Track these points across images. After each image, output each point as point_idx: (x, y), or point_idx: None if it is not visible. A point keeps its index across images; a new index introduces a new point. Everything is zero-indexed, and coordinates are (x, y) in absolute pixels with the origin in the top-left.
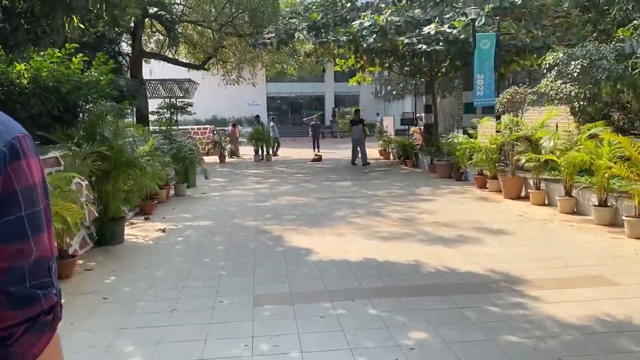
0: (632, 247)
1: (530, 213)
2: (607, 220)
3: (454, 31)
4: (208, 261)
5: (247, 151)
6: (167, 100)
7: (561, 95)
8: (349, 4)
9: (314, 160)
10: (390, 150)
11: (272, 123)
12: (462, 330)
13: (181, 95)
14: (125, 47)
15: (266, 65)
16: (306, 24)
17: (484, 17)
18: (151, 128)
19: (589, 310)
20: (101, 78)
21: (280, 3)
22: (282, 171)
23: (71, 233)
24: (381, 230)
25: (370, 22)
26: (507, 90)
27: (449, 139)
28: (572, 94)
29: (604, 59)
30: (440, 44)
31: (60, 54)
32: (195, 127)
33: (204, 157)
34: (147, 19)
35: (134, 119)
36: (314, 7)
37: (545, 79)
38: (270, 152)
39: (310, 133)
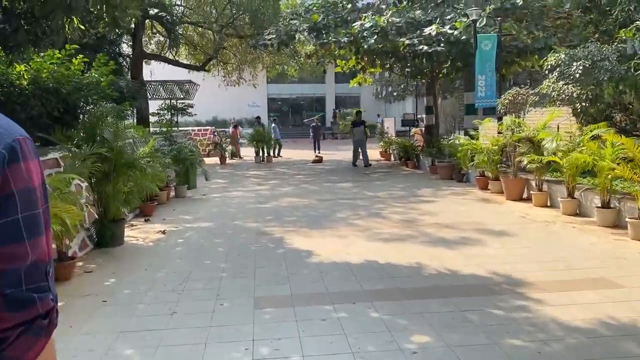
0: (635, 249)
1: (532, 215)
2: (610, 222)
3: (455, 32)
4: (208, 263)
5: (247, 152)
6: (167, 101)
7: (563, 96)
8: (349, 5)
9: (314, 161)
10: (391, 151)
11: (273, 124)
12: (464, 334)
13: (182, 96)
14: (126, 49)
15: (267, 66)
16: (307, 25)
17: (485, 18)
18: (152, 129)
19: (594, 313)
20: (101, 79)
21: (281, 4)
22: (283, 172)
23: (70, 235)
24: (382, 232)
25: (371, 23)
26: (509, 91)
27: (450, 140)
28: (574, 95)
29: (606, 60)
30: (442, 44)
31: (60, 55)
32: (196, 128)
33: (204, 159)
34: (147, 20)
35: (135, 121)
36: (314, 8)
37: (547, 80)
38: (271, 153)
39: (311, 134)
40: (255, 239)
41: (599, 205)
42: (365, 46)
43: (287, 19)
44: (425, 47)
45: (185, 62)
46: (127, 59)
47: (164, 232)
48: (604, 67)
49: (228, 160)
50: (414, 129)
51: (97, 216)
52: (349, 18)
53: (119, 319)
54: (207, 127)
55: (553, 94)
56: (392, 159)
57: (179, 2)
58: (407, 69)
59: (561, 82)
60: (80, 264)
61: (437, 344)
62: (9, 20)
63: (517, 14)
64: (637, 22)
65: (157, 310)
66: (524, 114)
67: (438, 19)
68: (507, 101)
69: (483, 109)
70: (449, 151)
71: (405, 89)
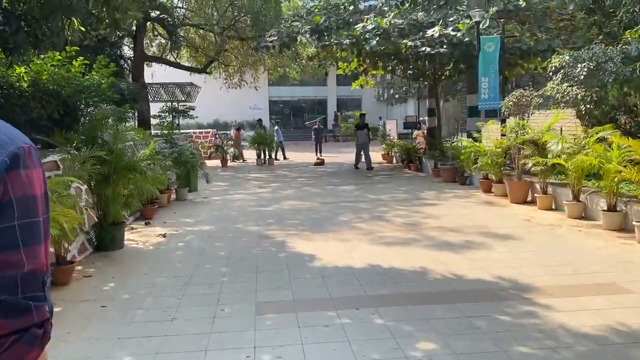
0: None
1: (537, 218)
2: (616, 226)
3: (458, 34)
4: (209, 267)
5: (249, 155)
6: (169, 103)
7: (567, 98)
8: (351, 7)
9: (316, 164)
10: (393, 154)
11: (276, 127)
12: (471, 341)
13: (183, 98)
14: (127, 51)
15: (268, 68)
16: (309, 27)
17: (488, 20)
18: (153, 132)
19: (603, 319)
20: (102, 81)
21: (282, 6)
22: (285, 175)
23: (68, 239)
24: (385, 236)
25: (373, 25)
26: (513, 93)
27: (453, 142)
28: (579, 97)
29: (610, 62)
30: (444, 46)
31: (60, 57)
32: (197, 131)
33: (205, 161)
34: (149, 23)
35: (136, 123)
36: (316, 10)
37: (552, 82)
38: (273, 155)
39: (313, 137)
40: (257, 243)
41: (605, 208)
42: (368, 48)
43: (289, 21)
44: (428, 49)
45: (186, 64)
46: (129, 61)
47: (164, 236)
48: (608, 69)
49: (229, 163)
50: (416, 132)
51: (96, 219)
52: (351, 20)
53: (118, 325)
54: (209, 130)
55: (557, 95)
56: (395, 161)
57: (180, 4)
58: (409, 71)
59: (565, 84)
60: (79, 268)
61: (443, 352)
62: (9, 22)
63: (520, 16)
64: None
65: (157, 316)
66: (528, 116)
67: (441, 21)
68: (511, 103)
69: (485, 111)
70: (452, 154)
71: (407, 91)
